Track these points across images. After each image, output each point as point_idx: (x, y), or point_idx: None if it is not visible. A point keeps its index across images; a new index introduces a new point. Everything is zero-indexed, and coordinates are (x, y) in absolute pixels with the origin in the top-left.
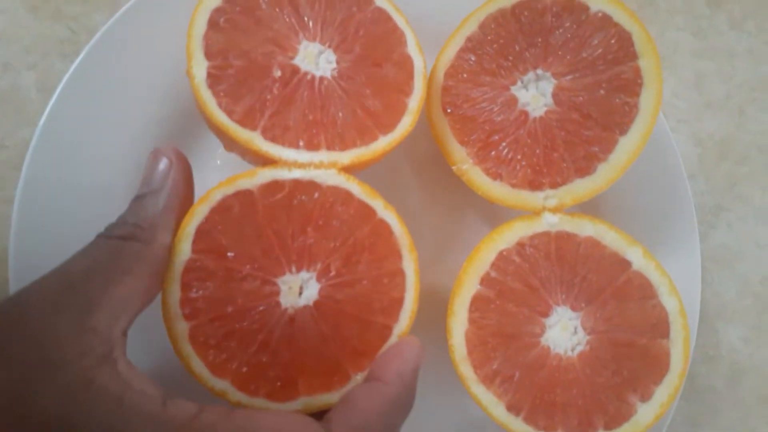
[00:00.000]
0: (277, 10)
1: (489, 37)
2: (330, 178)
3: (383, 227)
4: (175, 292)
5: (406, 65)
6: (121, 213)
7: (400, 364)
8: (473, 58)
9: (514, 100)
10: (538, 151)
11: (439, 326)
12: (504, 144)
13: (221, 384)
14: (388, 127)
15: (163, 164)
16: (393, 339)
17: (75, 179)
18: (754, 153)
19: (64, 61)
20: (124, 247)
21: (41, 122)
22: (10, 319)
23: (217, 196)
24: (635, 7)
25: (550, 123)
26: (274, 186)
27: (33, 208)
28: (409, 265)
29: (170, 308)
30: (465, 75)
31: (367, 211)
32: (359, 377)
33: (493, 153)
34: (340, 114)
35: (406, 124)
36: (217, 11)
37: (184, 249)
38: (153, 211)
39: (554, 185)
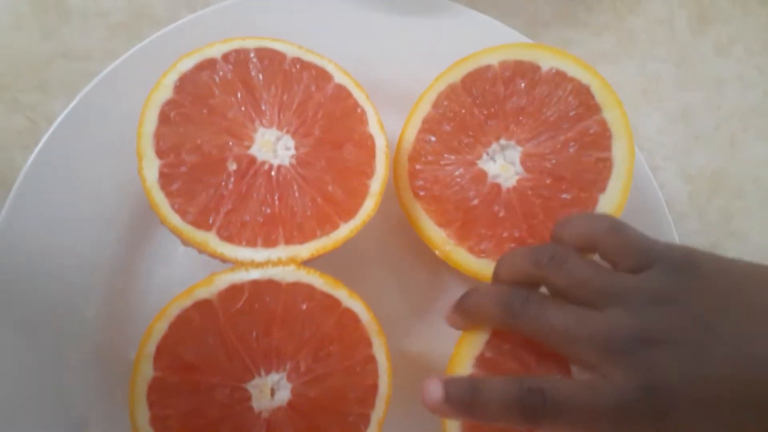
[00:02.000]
0: (231, 97)
1: (445, 115)
2: (289, 274)
3: (349, 316)
4: (143, 413)
5: (367, 145)
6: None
7: None
8: (433, 139)
9: (483, 174)
10: (518, 222)
11: (418, 396)
12: (482, 220)
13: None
14: (349, 213)
15: None
16: (371, 427)
17: (37, 273)
18: (749, 186)
19: (24, 152)
20: None
21: (1, 216)
22: None
23: (174, 311)
24: (614, 40)
25: (524, 191)
26: (233, 291)
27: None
28: (380, 350)
29: (140, 429)
30: (429, 157)
31: (332, 303)
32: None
33: (473, 231)
34: (299, 204)
35: (368, 209)
36: (168, 104)
37: (146, 369)
38: None
39: None
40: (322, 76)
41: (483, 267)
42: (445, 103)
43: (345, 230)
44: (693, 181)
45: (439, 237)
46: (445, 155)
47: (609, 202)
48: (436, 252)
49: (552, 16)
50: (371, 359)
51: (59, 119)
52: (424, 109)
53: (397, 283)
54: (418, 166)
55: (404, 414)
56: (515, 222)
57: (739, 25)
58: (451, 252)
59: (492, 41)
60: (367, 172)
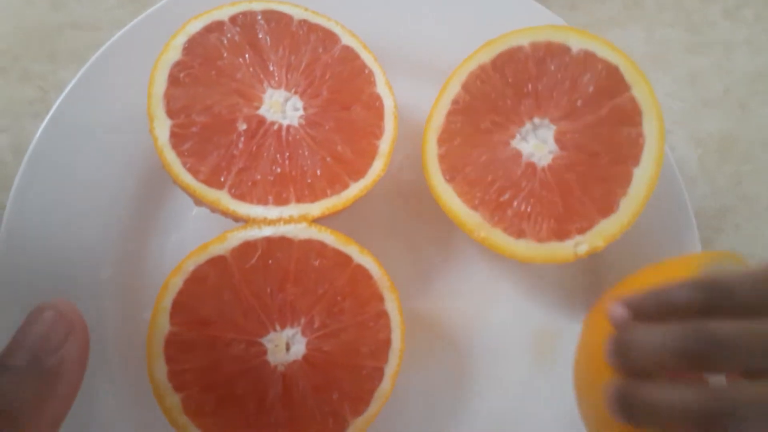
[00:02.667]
0: (240, 58)
1: (475, 96)
2: (301, 232)
3: (361, 272)
4: (161, 367)
5: (375, 106)
6: None
7: None
8: (464, 120)
9: (518, 154)
10: (556, 199)
11: (430, 353)
12: (518, 200)
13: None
14: (359, 173)
15: (46, 327)
16: (385, 380)
17: (52, 240)
18: (758, 149)
19: (36, 120)
20: None
21: (14, 184)
22: None
23: (190, 267)
24: (620, 6)
25: (560, 169)
26: (247, 248)
27: (12, 269)
28: (392, 305)
29: (159, 383)
30: (459, 138)
31: (344, 259)
32: (358, 421)
33: (509, 211)
34: (309, 163)
35: (377, 168)
36: (177, 66)
37: (163, 323)
38: (20, 399)
39: (581, 230)
40: (329, 37)
41: (522, 247)
42: (477, 83)
43: (355, 189)
44: (703, 145)
45: (473, 221)
46: (477, 136)
47: (644, 175)
48: (473, 236)
49: None
50: (384, 314)
51: (69, 86)
52: (454, 89)
53: (408, 243)
54: (447, 149)
55: (418, 369)
56: (552, 199)
57: None
58: (487, 236)
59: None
60: (376, 132)
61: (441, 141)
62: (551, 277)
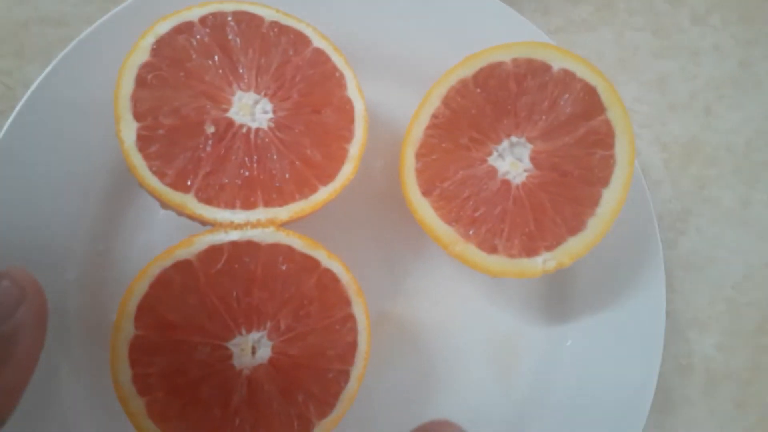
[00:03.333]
0: (209, 60)
1: (455, 111)
2: (268, 236)
3: (329, 276)
4: (125, 371)
5: (346, 109)
6: None
7: None
8: (443, 135)
9: (493, 171)
10: (528, 216)
11: (397, 355)
12: (492, 216)
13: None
14: (328, 176)
15: (6, 296)
16: (351, 382)
17: (17, 240)
18: (723, 153)
19: (1, 117)
20: None
21: None
22: None
23: (155, 271)
24: (592, 9)
25: (533, 187)
26: (213, 252)
27: None
28: (359, 308)
29: (122, 386)
30: (437, 153)
31: (311, 263)
32: (323, 423)
33: (483, 228)
34: (278, 167)
35: (347, 172)
36: (145, 67)
37: (127, 327)
38: None
39: (550, 248)
40: (300, 39)
41: (494, 263)
42: (457, 98)
43: (324, 193)
44: (668, 148)
45: (448, 235)
46: (455, 152)
47: (612, 197)
48: (447, 251)
49: None
50: (350, 317)
51: (35, 83)
52: (434, 104)
53: (379, 246)
54: (425, 163)
55: (384, 370)
56: (524, 217)
57: None
58: (462, 252)
59: (485, 18)
60: (346, 136)
61: (419, 155)
62: (513, 282)
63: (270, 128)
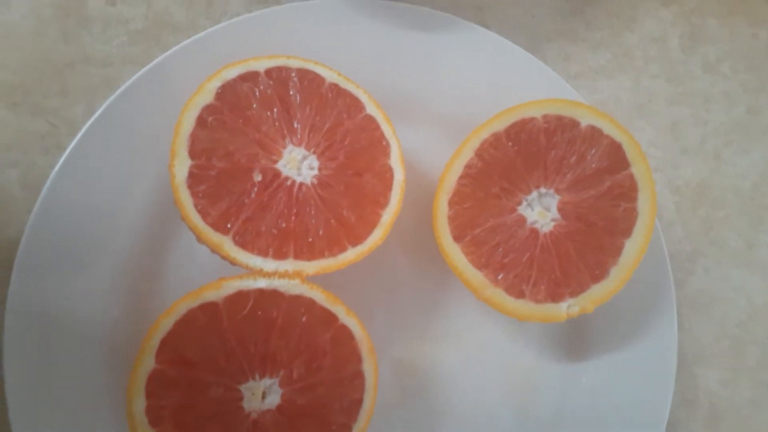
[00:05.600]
0: (268, 111)
1: (487, 163)
2: (293, 287)
3: (344, 332)
4: (140, 401)
5: (386, 177)
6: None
7: None
8: (475, 184)
9: (522, 220)
10: (554, 264)
11: (411, 405)
12: (521, 263)
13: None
14: (358, 238)
15: None
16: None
17: (67, 272)
18: (730, 197)
19: (46, 156)
20: None
21: (30, 219)
22: None
23: (182, 309)
24: (610, 56)
25: (559, 236)
26: (239, 297)
27: (25, 306)
28: (369, 367)
29: (135, 416)
30: (469, 202)
31: (329, 318)
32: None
33: (511, 274)
34: (314, 222)
35: (376, 237)
36: (207, 109)
37: (148, 360)
38: None
39: (574, 294)
40: (355, 104)
41: (521, 307)
42: (490, 150)
43: (352, 254)
44: (680, 191)
45: (478, 279)
46: (486, 201)
47: (634, 247)
48: (476, 295)
49: (553, 31)
50: (359, 374)
51: (84, 128)
52: (467, 155)
53: (402, 300)
54: (457, 210)
55: (390, 423)
56: (551, 264)
57: (726, 45)
58: (491, 295)
59: (515, 66)
60: (381, 202)
61: (452, 203)
62: (533, 327)
63: (313, 184)
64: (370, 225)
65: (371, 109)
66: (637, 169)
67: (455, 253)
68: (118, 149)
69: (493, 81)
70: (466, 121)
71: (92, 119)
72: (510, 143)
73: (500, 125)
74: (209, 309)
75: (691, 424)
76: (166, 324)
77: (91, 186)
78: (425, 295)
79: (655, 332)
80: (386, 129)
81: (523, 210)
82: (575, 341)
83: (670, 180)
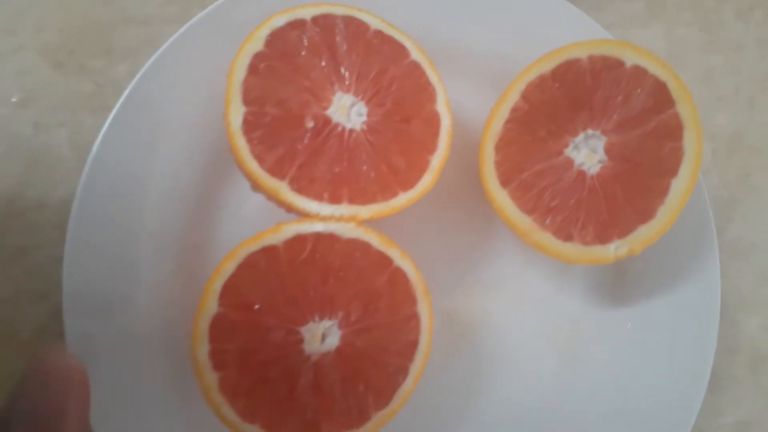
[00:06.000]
0: (316, 58)
1: (534, 105)
2: (349, 231)
3: (399, 275)
4: (203, 344)
5: (433, 122)
6: None
7: None
8: (521, 128)
9: (569, 162)
10: (601, 205)
11: (455, 354)
12: (568, 205)
13: (251, 428)
14: (408, 184)
15: (41, 388)
16: (409, 378)
17: (121, 227)
18: (766, 144)
19: (93, 115)
20: None
21: (81, 181)
22: None
23: (243, 253)
24: (643, 5)
25: (606, 177)
26: (298, 240)
27: (80, 264)
28: (424, 308)
29: (200, 361)
30: (516, 145)
31: (384, 261)
32: (379, 415)
33: (559, 217)
34: (365, 168)
35: (426, 182)
36: (258, 56)
37: (211, 304)
38: None
39: (622, 235)
40: (400, 51)
41: (569, 250)
42: (536, 92)
43: (403, 199)
44: (715, 139)
45: (526, 224)
46: (533, 144)
47: (680, 187)
48: (523, 239)
49: None
50: (415, 316)
51: (135, 80)
52: (513, 98)
53: (446, 240)
54: (503, 155)
55: (440, 369)
56: (598, 206)
57: None
58: (539, 239)
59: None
60: (430, 147)
61: (498, 148)
62: (577, 270)
63: (362, 130)
64: (420, 170)
65: (416, 55)
66: (682, 108)
67: (502, 198)
68: (164, 106)
69: (531, 28)
70: (505, 68)
71: (136, 78)
72: (556, 85)
73: (546, 67)
74: (269, 252)
75: (733, 369)
76: (228, 267)
77: (138, 143)
78: (470, 241)
79: (697, 276)
80: (431, 75)
81: (569, 152)
82: (619, 288)
83: (705, 128)
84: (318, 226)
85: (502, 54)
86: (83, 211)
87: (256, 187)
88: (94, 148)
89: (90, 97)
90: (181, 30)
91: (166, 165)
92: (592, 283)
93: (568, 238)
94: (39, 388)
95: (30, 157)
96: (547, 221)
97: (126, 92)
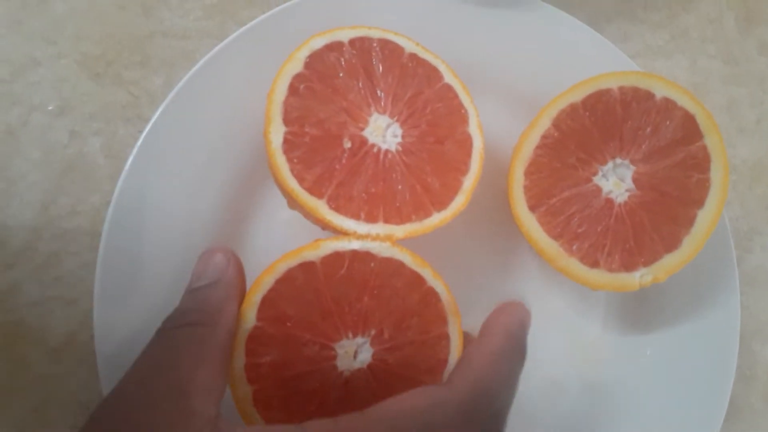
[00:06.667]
0: (353, 80)
1: (564, 133)
2: (385, 250)
3: (431, 295)
4: (240, 358)
5: (465, 144)
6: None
7: (505, 318)
8: (551, 155)
9: (598, 190)
10: (628, 233)
11: None
12: (596, 232)
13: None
14: (442, 204)
15: (219, 259)
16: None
17: (154, 238)
18: None
19: (127, 125)
20: (195, 333)
21: (117, 190)
22: (118, 413)
23: (282, 268)
24: (668, 37)
25: (634, 206)
26: (336, 257)
27: (115, 271)
28: (454, 328)
29: (236, 373)
30: (545, 171)
31: (418, 280)
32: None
33: (586, 243)
34: (400, 188)
35: (459, 202)
36: (298, 77)
37: (250, 317)
38: (215, 299)
39: (647, 263)
40: (434, 74)
41: (595, 276)
42: (567, 121)
43: (436, 219)
44: (736, 170)
45: (553, 249)
46: (562, 171)
47: (706, 218)
48: (551, 264)
49: (613, 11)
50: (445, 336)
51: (173, 91)
52: (544, 125)
53: (476, 267)
54: (533, 180)
55: None
56: (625, 234)
57: None
58: (566, 265)
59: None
60: (462, 168)
61: (528, 173)
62: (599, 295)
63: (397, 151)
64: (453, 191)
65: (449, 78)
66: (710, 141)
67: (531, 223)
68: (200, 119)
69: (561, 57)
70: (534, 96)
71: (174, 90)
72: (587, 114)
73: (577, 96)
74: (308, 268)
75: (750, 398)
76: (267, 282)
77: (174, 155)
78: (497, 263)
79: (718, 305)
80: (464, 97)
81: (598, 180)
82: (639, 314)
83: (727, 158)
84: (355, 244)
85: (532, 80)
86: (118, 219)
87: (294, 204)
88: (131, 158)
89: (125, 107)
90: (220, 45)
91: (199, 178)
92: (613, 309)
93: (594, 264)
94: (207, 287)
95: (65, 164)
96: (575, 247)
97: (164, 103)
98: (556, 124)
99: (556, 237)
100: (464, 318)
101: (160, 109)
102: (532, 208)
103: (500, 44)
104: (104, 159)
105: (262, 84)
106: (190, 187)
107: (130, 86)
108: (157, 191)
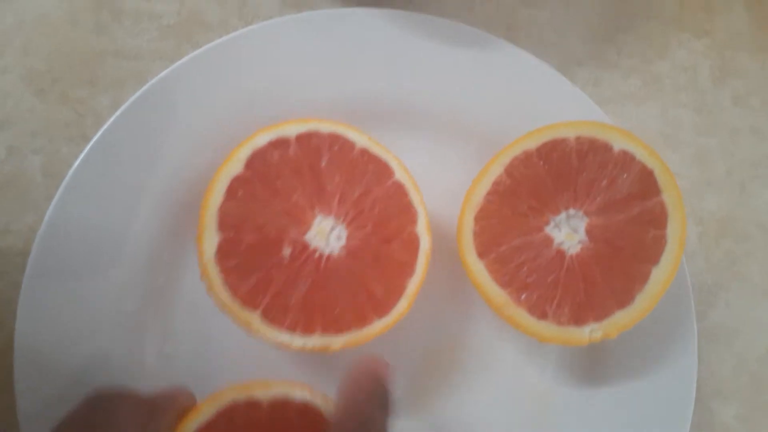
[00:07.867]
0: (297, 180)
1: (517, 180)
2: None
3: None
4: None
5: (412, 245)
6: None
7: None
8: (503, 201)
9: (549, 240)
10: (579, 286)
11: (430, 415)
12: (545, 283)
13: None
14: (384, 310)
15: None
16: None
17: (82, 265)
18: (754, 230)
19: (70, 144)
20: None
21: (49, 210)
22: None
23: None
24: (640, 83)
25: (586, 259)
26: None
27: (38, 295)
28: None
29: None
30: (496, 218)
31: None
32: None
33: (535, 294)
34: (340, 296)
35: (401, 308)
36: (237, 180)
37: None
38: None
39: (598, 318)
40: (384, 171)
41: (543, 328)
42: (520, 168)
43: (377, 326)
44: (703, 222)
45: (501, 298)
46: (513, 218)
47: (661, 275)
48: (497, 312)
49: (584, 55)
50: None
51: (118, 111)
52: (496, 171)
53: (422, 311)
54: (482, 226)
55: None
56: (576, 287)
57: (756, 79)
58: (513, 314)
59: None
60: (407, 271)
61: (478, 218)
62: (552, 346)
63: (340, 256)
64: (396, 295)
65: (400, 175)
66: (668, 197)
67: (479, 270)
68: (144, 141)
69: (524, 100)
70: (493, 139)
71: (119, 111)
72: (541, 162)
73: (532, 143)
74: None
75: None
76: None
77: (114, 176)
78: (444, 309)
79: (674, 363)
80: (414, 196)
81: (550, 230)
82: (593, 367)
83: (694, 210)
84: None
85: (494, 123)
86: (48, 239)
87: (224, 313)
88: (67, 178)
89: (69, 125)
90: (171, 68)
91: (137, 204)
92: (566, 361)
93: (542, 316)
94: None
95: (0, 181)
96: (523, 297)
97: (107, 124)
98: (509, 170)
99: (504, 285)
100: (407, 363)
101: (102, 129)
102: (481, 254)
103: (463, 85)
104: (42, 177)
105: (212, 109)
106: (127, 212)
107: (76, 105)
108: (93, 212)
